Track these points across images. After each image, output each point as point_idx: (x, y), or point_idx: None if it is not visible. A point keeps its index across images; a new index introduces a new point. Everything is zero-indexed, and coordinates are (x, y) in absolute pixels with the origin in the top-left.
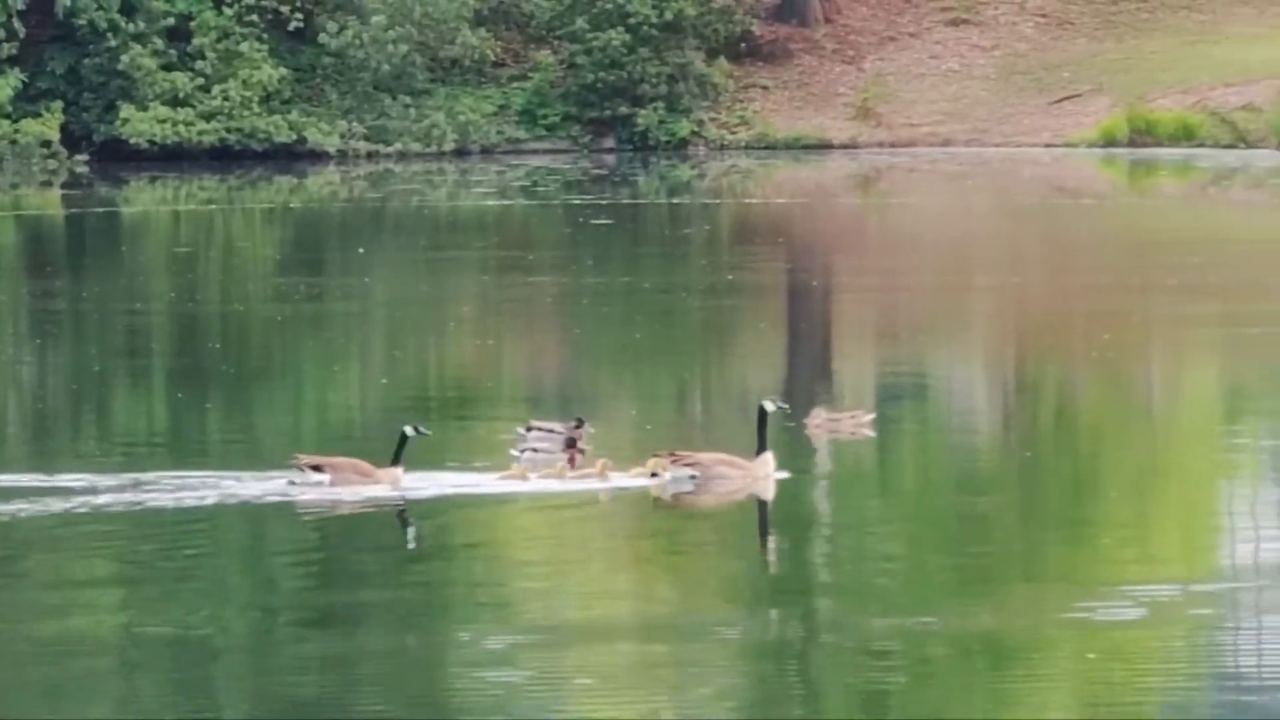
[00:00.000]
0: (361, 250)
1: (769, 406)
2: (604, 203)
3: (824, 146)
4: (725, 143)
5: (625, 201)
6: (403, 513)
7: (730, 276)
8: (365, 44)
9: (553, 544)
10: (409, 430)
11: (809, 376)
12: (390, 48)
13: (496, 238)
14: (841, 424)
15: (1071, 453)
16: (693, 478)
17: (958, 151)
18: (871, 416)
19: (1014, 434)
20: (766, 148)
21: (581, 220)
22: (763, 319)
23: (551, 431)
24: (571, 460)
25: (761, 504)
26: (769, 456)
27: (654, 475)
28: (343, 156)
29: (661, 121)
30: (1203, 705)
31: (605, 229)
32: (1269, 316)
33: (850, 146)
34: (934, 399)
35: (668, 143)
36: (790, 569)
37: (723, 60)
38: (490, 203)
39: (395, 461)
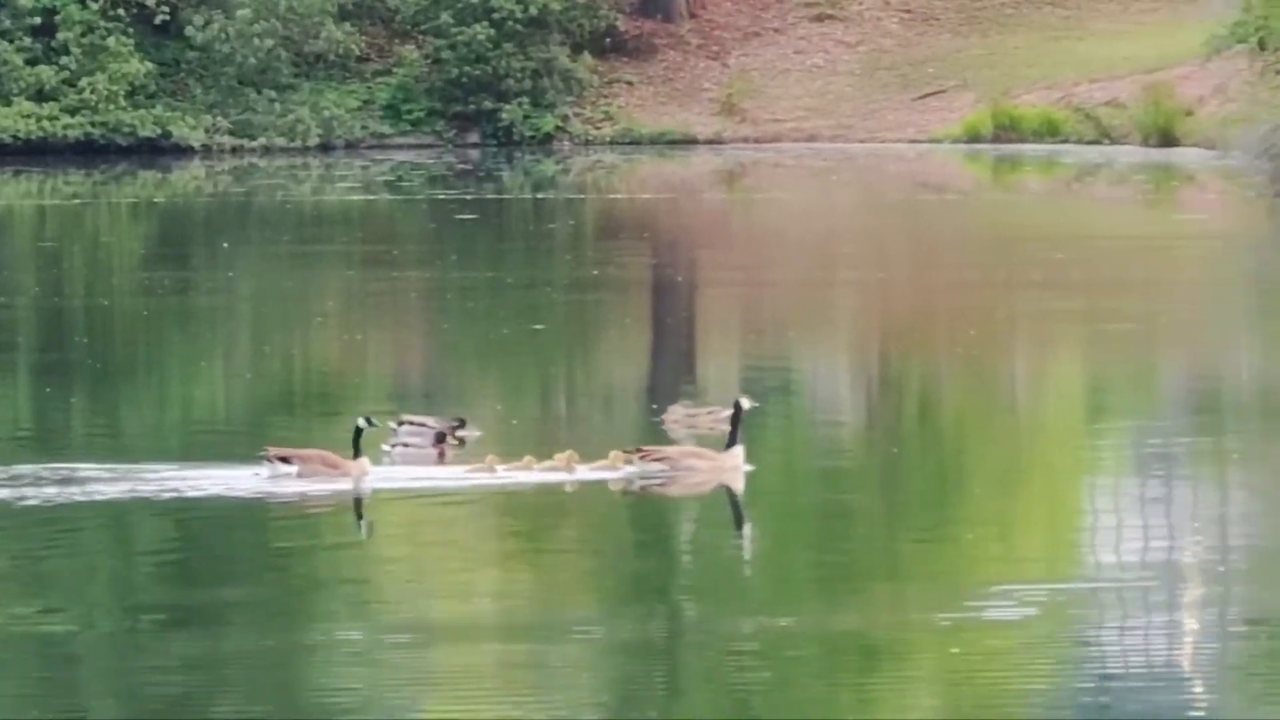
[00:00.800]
0: (226, 245)
1: (745, 403)
2: (469, 198)
3: (689, 142)
4: (590, 138)
5: (490, 197)
6: (359, 505)
7: (596, 272)
8: (231, 38)
9: (436, 541)
10: (361, 422)
11: (673, 371)
12: (255, 42)
13: (361, 233)
14: (699, 419)
15: (936, 449)
16: (662, 470)
17: (823, 147)
18: (729, 412)
19: (879, 430)
20: (631, 143)
21: (446, 215)
22: (628, 314)
23: (423, 426)
24: (441, 455)
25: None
26: (739, 450)
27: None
28: (208, 151)
29: (526, 117)
30: (1067, 704)
31: (470, 224)
32: (1132, 313)
33: (715, 142)
34: (798, 395)
35: (532, 138)
36: (655, 567)
37: (587, 55)
38: (355, 198)
39: (356, 454)
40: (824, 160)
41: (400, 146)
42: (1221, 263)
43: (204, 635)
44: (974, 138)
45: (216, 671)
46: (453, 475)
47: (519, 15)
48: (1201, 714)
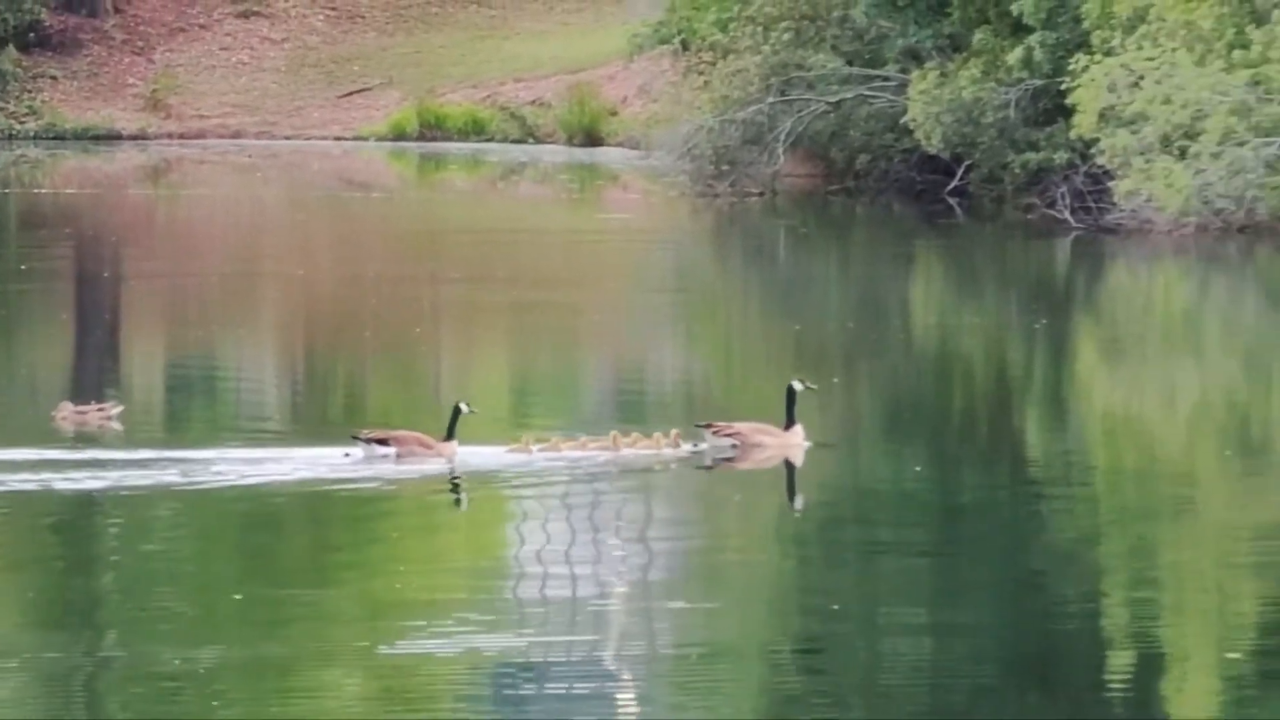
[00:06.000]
0: None
1: (797, 386)
2: None
3: (114, 137)
4: (14, 132)
5: None
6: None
7: (23, 266)
8: None
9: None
10: (463, 406)
11: (97, 365)
12: None
13: None
14: (89, 416)
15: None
16: (733, 446)
17: (248, 143)
18: (120, 409)
19: (303, 423)
20: (55, 138)
21: None
22: (52, 308)
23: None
24: None
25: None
26: (800, 428)
27: (695, 445)
28: None
29: None
30: None
31: None
32: (555, 305)
33: (140, 138)
34: (223, 387)
35: None
36: (91, 589)
37: (11, 49)
38: None
39: (449, 436)
40: (249, 157)
41: None
42: (644, 260)
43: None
44: (399, 135)
45: None
46: (532, 458)
47: None
48: None
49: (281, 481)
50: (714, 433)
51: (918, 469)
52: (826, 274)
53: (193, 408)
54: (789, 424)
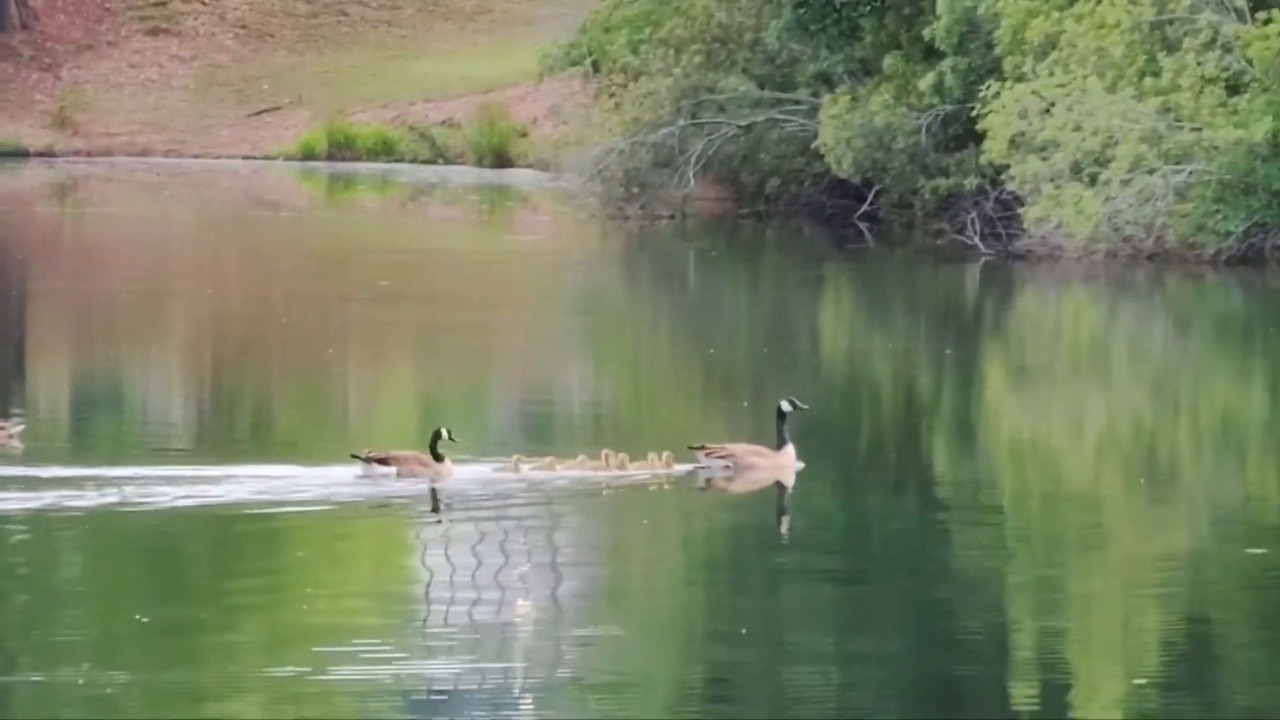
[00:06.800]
0: None
1: (786, 406)
2: None
3: (21, 154)
4: None
5: None
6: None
7: None
8: None
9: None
10: (443, 431)
11: (1, 383)
12: None
13: None
14: None
15: (258, 452)
16: (726, 467)
17: (157, 162)
18: (21, 427)
19: (207, 443)
20: None
21: None
22: None
23: None
24: None
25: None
26: (791, 449)
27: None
28: None
29: None
30: None
31: None
32: (464, 326)
33: (47, 155)
34: (129, 404)
35: None
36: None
37: None
38: None
39: (436, 457)
40: (157, 175)
41: None
42: (554, 282)
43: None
44: (309, 155)
45: None
46: (521, 476)
47: None
48: None
49: (189, 502)
50: (707, 454)
51: (827, 495)
52: (736, 298)
53: (98, 426)
54: (780, 444)
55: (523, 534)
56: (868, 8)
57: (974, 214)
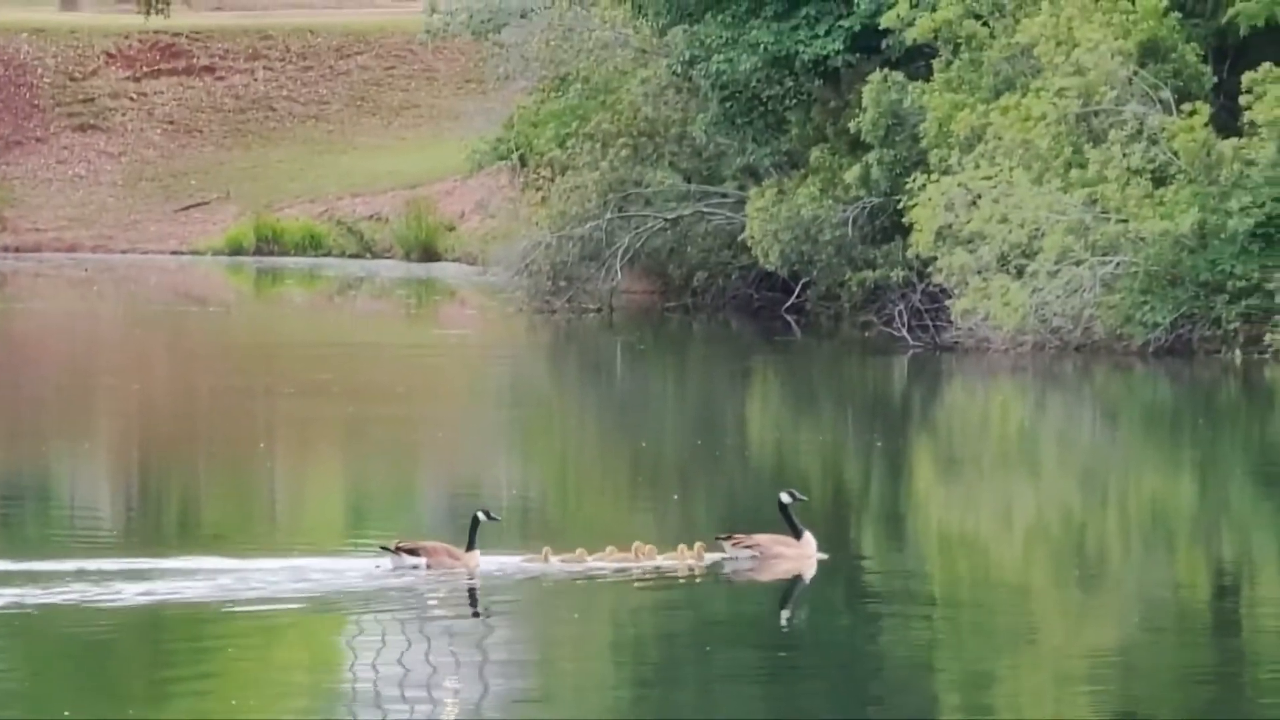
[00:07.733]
0: None
1: (785, 498)
2: None
3: None
4: None
5: None
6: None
7: None
8: None
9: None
10: (480, 515)
11: None
12: None
13: None
14: None
15: (186, 546)
16: (753, 557)
17: (84, 257)
18: None
19: (135, 536)
20: None
21: None
22: None
23: None
24: None
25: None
26: (810, 538)
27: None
28: None
29: None
30: None
31: None
32: (391, 419)
33: None
34: (56, 500)
35: None
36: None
37: None
38: None
39: (470, 546)
40: (85, 270)
41: None
42: (481, 376)
43: None
44: (236, 250)
45: None
46: (550, 566)
47: None
48: None
49: (115, 599)
50: (734, 544)
51: (756, 587)
52: (665, 391)
53: (25, 522)
54: (797, 535)
55: (449, 638)
56: (794, 101)
57: (901, 306)
